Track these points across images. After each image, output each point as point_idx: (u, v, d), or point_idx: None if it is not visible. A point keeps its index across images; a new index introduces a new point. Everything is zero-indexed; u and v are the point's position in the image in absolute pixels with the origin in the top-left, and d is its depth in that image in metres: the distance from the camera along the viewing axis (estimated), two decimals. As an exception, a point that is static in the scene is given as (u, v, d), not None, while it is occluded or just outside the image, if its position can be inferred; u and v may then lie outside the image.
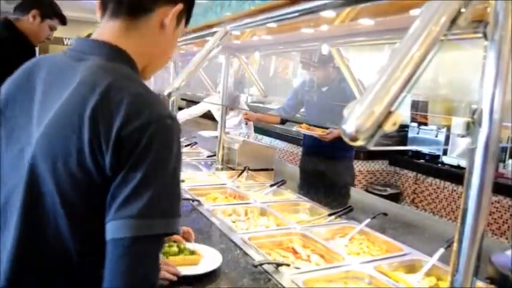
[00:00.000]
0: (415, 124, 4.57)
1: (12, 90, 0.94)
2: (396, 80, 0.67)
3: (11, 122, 0.91)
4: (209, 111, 4.52)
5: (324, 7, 1.42)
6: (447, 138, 4.22)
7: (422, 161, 4.60)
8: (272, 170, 3.00)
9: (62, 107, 0.82)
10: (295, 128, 3.73)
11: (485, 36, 0.78)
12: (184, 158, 3.31)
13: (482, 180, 0.78)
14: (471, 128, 0.78)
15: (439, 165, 4.40)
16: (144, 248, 0.79)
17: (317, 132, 3.15)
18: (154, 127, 0.78)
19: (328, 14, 1.58)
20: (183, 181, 2.51)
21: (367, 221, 1.90)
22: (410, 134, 4.66)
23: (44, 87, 0.89)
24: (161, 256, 1.44)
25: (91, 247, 0.83)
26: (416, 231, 2.03)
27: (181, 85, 1.92)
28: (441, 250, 1.53)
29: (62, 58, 0.93)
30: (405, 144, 4.63)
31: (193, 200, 2.16)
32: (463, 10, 0.72)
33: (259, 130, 5.37)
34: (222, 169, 3.03)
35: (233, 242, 1.67)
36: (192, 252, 1.48)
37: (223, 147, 3.13)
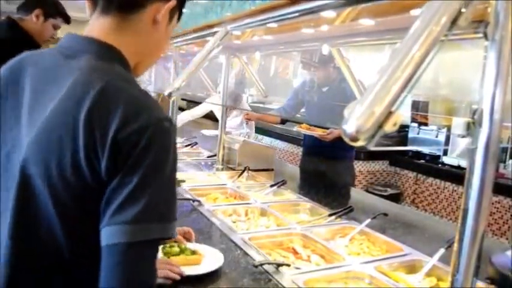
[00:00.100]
0: (416, 124, 4.57)
1: None
2: (397, 80, 0.67)
3: None
4: (211, 111, 4.52)
5: (324, 7, 1.42)
6: (447, 138, 4.22)
7: (423, 161, 4.60)
8: (272, 170, 3.00)
9: (55, 110, 0.80)
10: (295, 128, 3.73)
11: (485, 36, 0.78)
12: (185, 158, 3.31)
13: (483, 181, 0.78)
14: (471, 128, 0.78)
15: (440, 165, 4.40)
16: (140, 253, 0.78)
17: (317, 133, 3.15)
18: (152, 130, 0.77)
19: (329, 14, 1.58)
20: (183, 181, 2.51)
21: (368, 221, 1.90)
22: (411, 134, 4.66)
23: (33, 86, 0.87)
24: (163, 256, 1.44)
25: (85, 248, 0.82)
26: (417, 231, 2.03)
27: (182, 85, 1.92)
28: (441, 250, 1.52)
29: (51, 55, 0.90)
30: (405, 145, 4.63)
31: (193, 200, 2.16)
32: (463, 10, 0.72)
33: (259, 130, 5.37)
34: (222, 169, 3.03)
35: (233, 242, 1.67)
36: (193, 252, 1.49)
37: (223, 147, 3.13)
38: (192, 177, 2.72)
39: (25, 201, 0.82)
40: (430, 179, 4.46)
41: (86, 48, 0.87)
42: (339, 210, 2.05)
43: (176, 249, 1.48)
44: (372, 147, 0.67)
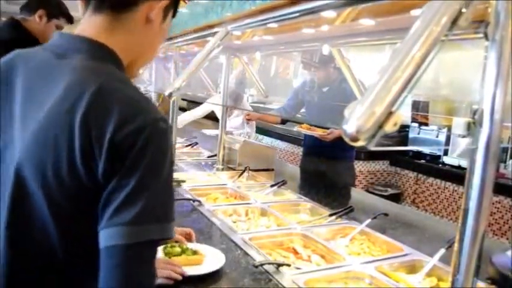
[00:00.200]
0: (416, 124, 4.57)
1: None
2: (397, 80, 0.67)
3: None
4: (212, 111, 4.52)
5: (324, 7, 1.42)
6: (448, 138, 4.22)
7: (423, 161, 4.60)
8: (273, 170, 3.00)
9: (50, 111, 0.79)
10: (295, 128, 3.73)
11: (486, 36, 0.78)
12: (185, 158, 3.32)
13: (483, 181, 0.78)
14: (472, 128, 0.78)
15: (440, 165, 4.40)
16: (139, 254, 0.78)
17: (318, 133, 3.15)
18: (149, 130, 0.76)
19: (329, 14, 1.57)
20: (183, 181, 2.51)
21: (368, 221, 1.90)
22: (411, 135, 4.66)
23: (25, 86, 0.86)
24: (164, 256, 1.44)
25: (80, 247, 0.82)
26: (417, 231, 2.03)
27: (182, 85, 1.92)
28: (442, 250, 1.53)
29: (43, 55, 0.88)
30: (406, 145, 4.63)
31: (194, 200, 2.17)
32: (464, 10, 0.72)
33: (259, 130, 5.37)
34: (222, 169, 3.03)
35: (234, 242, 1.67)
36: (195, 252, 1.49)
37: (223, 147, 3.14)
38: (193, 177, 2.72)
39: (20, 202, 0.82)
40: (431, 179, 4.46)
41: (79, 47, 0.86)
42: (340, 210, 2.05)
43: (178, 249, 1.48)
44: (373, 147, 0.67)
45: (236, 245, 1.65)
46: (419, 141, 4.59)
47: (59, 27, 2.61)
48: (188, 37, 2.52)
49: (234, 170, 2.96)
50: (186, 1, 2.57)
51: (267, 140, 5.69)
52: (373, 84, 0.68)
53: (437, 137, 4.41)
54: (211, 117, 4.65)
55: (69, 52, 0.85)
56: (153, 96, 5.19)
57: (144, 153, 0.76)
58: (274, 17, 1.64)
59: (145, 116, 0.78)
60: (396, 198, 4.65)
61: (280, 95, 4.93)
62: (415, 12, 1.31)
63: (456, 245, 0.82)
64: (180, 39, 2.67)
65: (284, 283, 1.37)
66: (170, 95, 1.91)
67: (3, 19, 2.67)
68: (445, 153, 4.38)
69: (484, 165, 0.78)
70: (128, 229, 0.75)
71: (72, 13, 2.64)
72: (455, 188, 4.17)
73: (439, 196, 4.37)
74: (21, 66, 0.89)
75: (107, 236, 0.76)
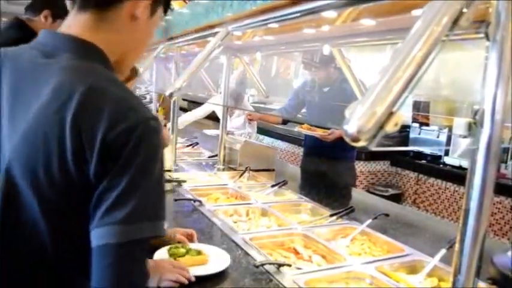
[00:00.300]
0: (417, 125, 4.56)
1: None
2: (398, 80, 0.67)
3: None
4: (213, 112, 4.52)
5: (325, 7, 1.42)
6: (449, 138, 4.22)
7: (424, 161, 4.59)
8: (273, 170, 3.00)
9: (39, 113, 0.79)
10: (296, 129, 3.73)
11: (487, 36, 0.78)
12: (186, 158, 3.32)
13: (484, 181, 0.78)
14: (473, 128, 0.78)
15: (441, 165, 4.40)
16: (131, 253, 0.78)
17: (318, 133, 3.15)
18: (141, 129, 0.76)
19: (330, 14, 1.57)
20: (184, 181, 2.51)
21: (369, 221, 1.90)
22: (412, 135, 4.65)
23: (12, 85, 0.85)
24: (170, 258, 1.45)
25: (70, 244, 0.82)
26: (418, 231, 2.03)
27: (183, 85, 1.92)
28: (443, 251, 1.52)
29: (30, 54, 0.87)
30: (407, 145, 4.62)
31: (194, 201, 2.17)
32: (464, 10, 0.72)
33: (260, 130, 5.37)
34: (223, 169, 3.03)
35: (234, 243, 1.67)
36: (199, 253, 1.49)
37: (224, 147, 3.14)
38: (193, 178, 2.72)
39: (10, 200, 0.81)
40: (432, 180, 4.45)
41: (66, 46, 0.85)
42: (340, 210, 2.05)
43: (182, 250, 1.49)
44: (373, 148, 0.67)
45: (237, 245, 1.65)
46: (420, 142, 4.58)
47: None
48: (189, 37, 2.52)
49: (234, 170, 2.97)
50: (187, 1, 2.57)
51: (267, 140, 5.69)
52: (374, 84, 0.68)
53: (438, 137, 4.40)
54: (212, 117, 4.65)
55: (56, 51, 0.85)
56: (153, 97, 5.20)
57: (137, 151, 0.76)
58: (275, 17, 1.64)
59: (137, 115, 0.78)
60: (397, 198, 4.64)
61: (281, 95, 4.93)
62: (416, 12, 1.31)
63: (457, 246, 0.82)
64: (180, 40, 2.68)
65: (285, 283, 1.37)
66: (171, 95, 1.91)
67: (4, 19, 2.67)
68: (446, 153, 4.37)
69: (485, 165, 0.78)
70: (119, 228, 0.75)
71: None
72: (456, 189, 4.16)
73: (439, 196, 4.36)
74: (8, 66, 0.88)
75: (98, 235, 0.76)
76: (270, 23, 1.74)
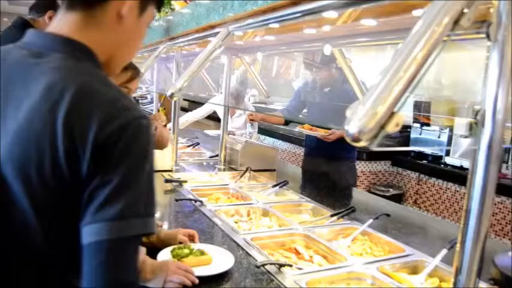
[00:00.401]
0: (418, 125, 4.56)
1: None
2: (399, 80, 0.67)
3: None
4: (214, 112, 4.52)
5: (326, 7, 1.42)
6: (450, 139, 4.21)
7: (425, 161, 4.58)
8: (274, 170, 3.00)
9: (30, 112, 0.79)
10: (297, 129, 3.73)
11: (488, 36, 0.78)
12: (187, 159, 3.32)
13: (485, 181, 0.78)
14: (474, 128, 0.78)
15: (442, 166, 4.39)
16: (121, 250, 0.78)
17: (319, 133, 3.15)
18: (132, 127, 0.77)
19: (331, 14, 1.57)
20: (185, 181, 2.51)
21: (370, 221, 1.89)
22: (413, 135, 4.65)
23: (2, 86, 0.85)
24: (173, 258, 1.45)
25: (60, 239, 0.82)
26: (419, 232, 2.03)
27: (184, 85, 1.92)
28: (444, 251, 1.52)
29: (19, 54, 0.87)
30: (408, 145, 4.62)
31: (195, 201, 2.17)
32: (466, 11, 0.72)
33: (261, 130, 5.37)
34: (224, 170, 3.03)
35: (235, 243, 1.67)
36: (202, 253, 1.49)
37: (225, 147, 3.14)
38: (194, 178, 2.72)
39: (2, 200, 0.81)
40: (433, 180, 4.45)
41: (55, 46, 0.85)
42: (341, 210, 2.05)
43: (186, 251, 1.49)
44: (374, 148, 0.67)
45: (238, 245, 1.65)
46: (421, 142, 4.58)
47: None
48: (190, 37, 2.52)
49: (235, 170, 2.97)
50: (188, 1, 2.57)
51: (268, 141, 5.69)
52: (375, 84, 0.68)
53: (439, 137, 4.40)
54: (213, 117, 4.65)
55: (46, 51, 0.85)
56: (154, 97, 5.20)
57: (128, 149, 0.77)
58: (275, 18, 1.64)
59: (128, 114, 0.78)
60: (398, 198, 4.64)
61: (282, 95, 4.93)
62: (417, 12, 1.31)
63: (458, 246, 0.82)
64: (181, 40, 2.68)
65: (286, 283, 1.37)
66: (172, 95, 1.91)
67: (5, 19, 2.67)
68: (447, 153, 4.37)
69: (486, 165, 0.78)
70: (111, 224, 0.75)
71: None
72: (457, 189, 4.16)
73: (441, 197, 4.36)
74: None
75: (90, 232, 0.76)
76: (271, 23, 1.74)
